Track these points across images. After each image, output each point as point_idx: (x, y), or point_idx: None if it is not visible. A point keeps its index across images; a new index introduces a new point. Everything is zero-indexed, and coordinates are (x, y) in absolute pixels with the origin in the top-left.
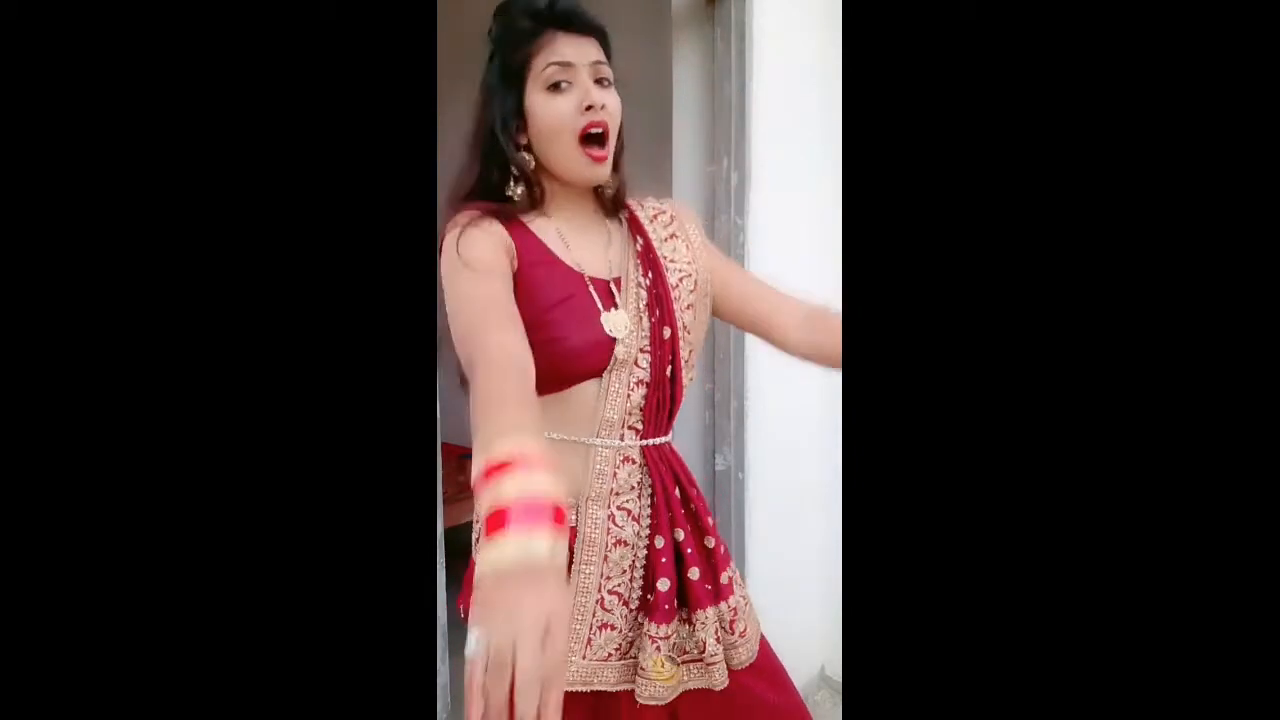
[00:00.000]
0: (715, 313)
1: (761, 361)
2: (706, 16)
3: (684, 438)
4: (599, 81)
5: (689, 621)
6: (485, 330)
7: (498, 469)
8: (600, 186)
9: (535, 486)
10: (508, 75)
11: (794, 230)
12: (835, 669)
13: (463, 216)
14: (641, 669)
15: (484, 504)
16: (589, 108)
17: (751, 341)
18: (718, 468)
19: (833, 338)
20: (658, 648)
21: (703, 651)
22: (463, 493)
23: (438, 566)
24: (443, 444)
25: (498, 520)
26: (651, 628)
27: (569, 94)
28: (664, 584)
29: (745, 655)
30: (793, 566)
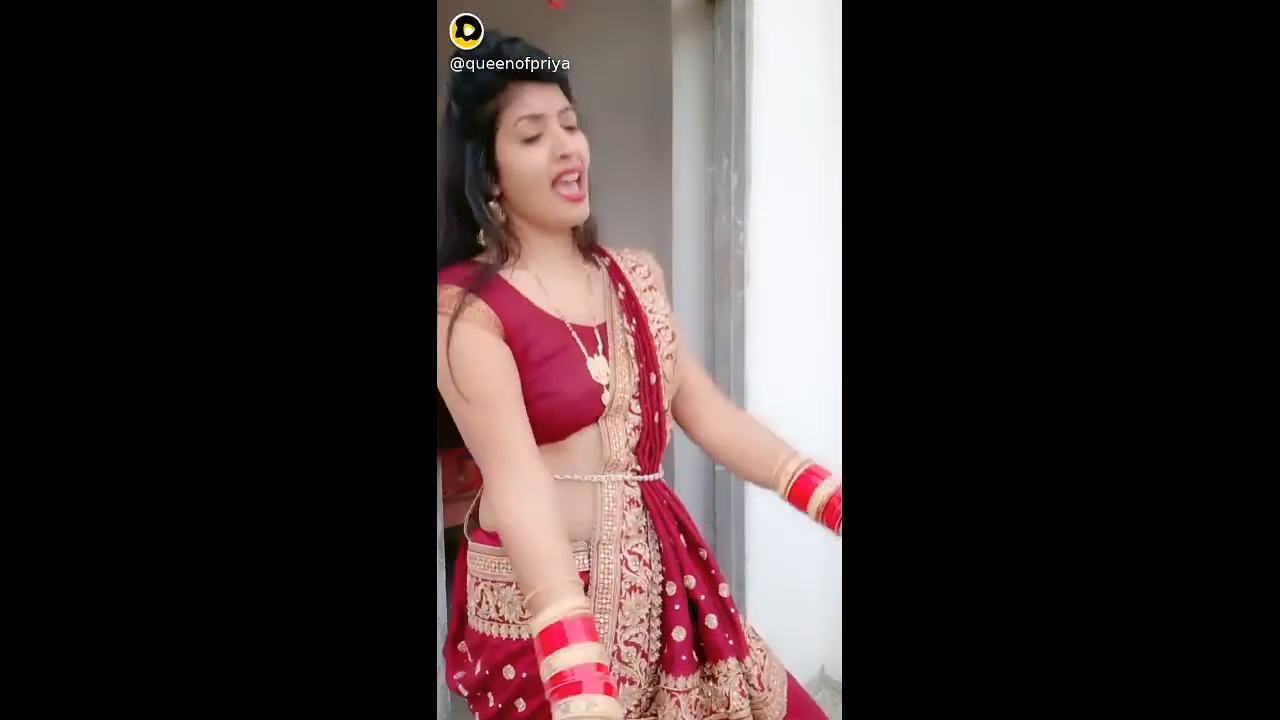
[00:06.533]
0: None
1: (761, 362)
2: (706, 16)
3: (684, 438)
4: (568, 129)
5: (711, 677)
6: (502, 446)
7: (561, 691)
8: (576, 228)
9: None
10: (475, 129)
11: (794, 231)
12: (835, 669)
13: (447, 298)
14: None
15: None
16: (563, 156)
17: (751, 343)
18: (718, 468)
19: (751, 448)
20: (677, 703)
21: (727, 708)
22: (463, 493)
23: (438, 566)
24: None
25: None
26: (670, 681)
27: (542, 144)
28: (679, 633)
29: (776, 711)
30: (793, 566)
